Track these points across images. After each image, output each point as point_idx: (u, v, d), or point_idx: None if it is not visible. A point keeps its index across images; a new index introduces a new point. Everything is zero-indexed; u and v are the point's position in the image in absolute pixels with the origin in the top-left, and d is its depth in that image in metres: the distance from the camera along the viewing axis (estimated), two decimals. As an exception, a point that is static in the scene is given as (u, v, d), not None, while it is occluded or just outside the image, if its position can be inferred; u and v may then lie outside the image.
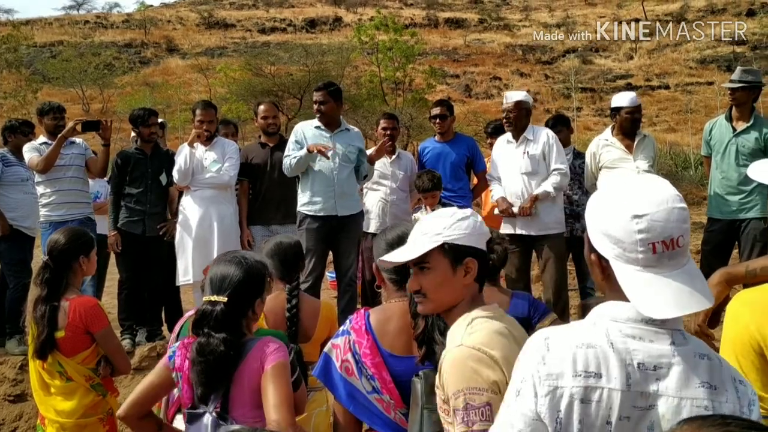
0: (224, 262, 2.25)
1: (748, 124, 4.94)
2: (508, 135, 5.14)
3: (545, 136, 5.03)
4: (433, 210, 5.00)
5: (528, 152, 4.97)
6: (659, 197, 1.31)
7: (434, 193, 5.07)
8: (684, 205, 1.32)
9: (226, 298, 2.13)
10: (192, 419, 2.12)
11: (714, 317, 1.98)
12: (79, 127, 5.11)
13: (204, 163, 5.16)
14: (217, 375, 2.07)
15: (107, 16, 55.08)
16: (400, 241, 2.11)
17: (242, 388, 2.11)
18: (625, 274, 1.31)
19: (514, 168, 5.03)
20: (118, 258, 5.29)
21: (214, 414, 2.08)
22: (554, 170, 4.94)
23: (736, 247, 5.15)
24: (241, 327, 2.17)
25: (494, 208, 5.53)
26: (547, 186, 4.90)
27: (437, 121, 5.66)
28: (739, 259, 5.10)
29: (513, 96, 5.13)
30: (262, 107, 5.62)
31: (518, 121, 5.04)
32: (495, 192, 5.16)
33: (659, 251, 1.28)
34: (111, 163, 5.60)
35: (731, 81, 5.05)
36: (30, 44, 39.73)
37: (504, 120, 5.14)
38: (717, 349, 1.57)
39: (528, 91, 5.58)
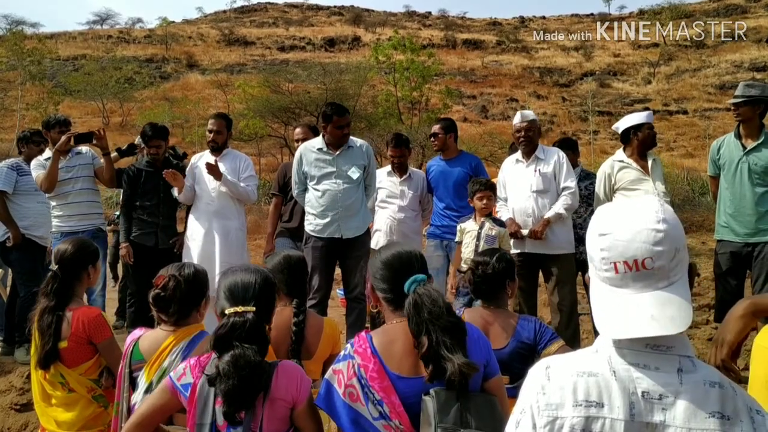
0: (240, 271, 2.16)
1: (759, 141, 4.70)
2: (517, 155, 5.09)
3: (556, 155, 4.96)
4: (483, 221, 4.66)
5: (539, 170, 4.90)
6: (634, 218, 1.27)
7: (488, 193, 4.67)
8: (662, 227, 1.25)
9: (254, 308, 2.04)
10: None
11: (736, 350, 1.87)
12: (72, 141, 5.15)
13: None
14: (251, 390, 1.96)
15: (130, 31, 56.02)
16: (397, 261, 2.08)
17: (273, 415, 2.00)
18: (597, 290, 1.31)
19: (524, 186, 4.93)
20: (130, 271, 5.30)
21: None
22: (564, 189, 4.85)
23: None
24: (267, 337, 2.07)
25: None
26: (559, 208, 4.80)
27: (431, 139, 5.75)
28: (751, 284, 4.87)
29: (529, 114, 5.11)
30: (297, 130, 5.76)
31: (534, 138, 5.01)
32: (502, 214, 5.03)
33: (621, 271, 1.26)
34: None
35: (735, 96, 4.83)
36: (54, 57, 40.45)
37: (520, 138, 5.00)
38: (740, 382, 1.48)
39: (544, 113, 5.44)
